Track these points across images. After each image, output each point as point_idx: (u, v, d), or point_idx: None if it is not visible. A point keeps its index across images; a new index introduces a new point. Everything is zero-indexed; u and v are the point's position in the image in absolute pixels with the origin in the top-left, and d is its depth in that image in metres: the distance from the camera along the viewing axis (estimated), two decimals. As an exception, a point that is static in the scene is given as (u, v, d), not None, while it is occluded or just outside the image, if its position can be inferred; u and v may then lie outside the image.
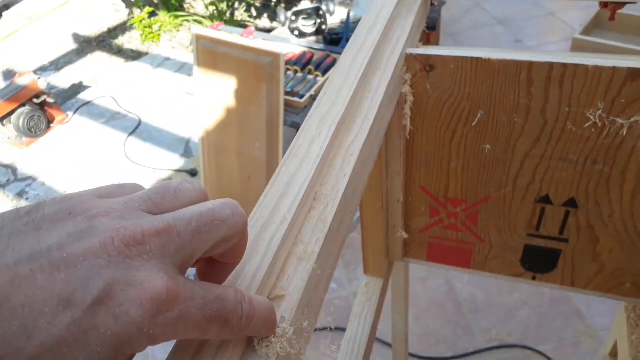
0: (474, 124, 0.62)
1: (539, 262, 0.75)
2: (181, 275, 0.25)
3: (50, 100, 2.78)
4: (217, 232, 0.26)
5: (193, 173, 2.43)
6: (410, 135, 0.65)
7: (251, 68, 1.59)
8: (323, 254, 0.38)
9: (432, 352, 1.60)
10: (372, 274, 0.83)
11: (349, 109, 0.47)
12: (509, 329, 1.63)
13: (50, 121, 2.82)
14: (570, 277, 0.75)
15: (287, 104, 1.66)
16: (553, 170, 0.64)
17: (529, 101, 0.58)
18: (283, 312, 0.34)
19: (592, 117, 0.57)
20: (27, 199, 2.47)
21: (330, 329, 1.71)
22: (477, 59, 0.57)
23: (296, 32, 2.09)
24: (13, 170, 2.64)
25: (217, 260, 0.30)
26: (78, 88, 3.21)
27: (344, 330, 0.80)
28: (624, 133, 0.57)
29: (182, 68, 3.15)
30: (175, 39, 3.49)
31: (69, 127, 2.84)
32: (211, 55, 1.69)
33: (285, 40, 2.02)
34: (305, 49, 1.95)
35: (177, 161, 2.53)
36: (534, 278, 0.78)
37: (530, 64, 0.55)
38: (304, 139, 0.44)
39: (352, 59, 0.52)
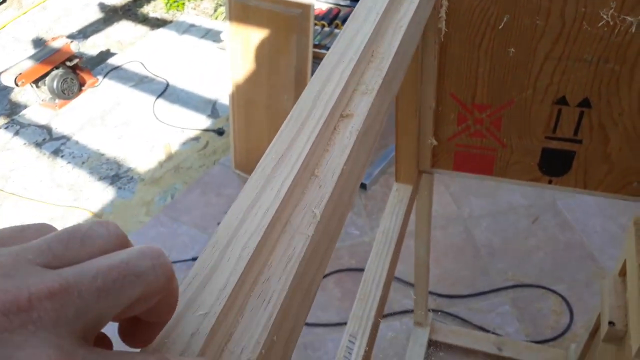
0: (500, 27, 0.71)
1: (555, 164, 0.83)
2: (85, 344, 0.20)
3: (81, 64, 2.89)
4: (131, 289, 0.21)
5: (220, 132, 2.53)
6: (444, 38, 0.74)
7: (282, 19, 1.68)
8: (380, 93, 0.48)
9: (450, 290, 1.70)
10: (402, 182, 0.92)
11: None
12: (525, 270, 1.72)
13: (81, 84, 2.93)
14: (583, 179, 0.84)
15: (315, 56, 1.75)
16: (569, 71, 0.72)
17: (550, 3, 0.67)
18: (352, 125, 0.43)
19: (605, 16, 0.65)
20: (62, 156, 2.59)
21: (354, 270, 1.81)
22: (505, -37, 0.65)
23: (321, -7, 2.17)
24: (48, 130, 2.76)
25: (141, 318, 0.25)
26: (106, 55, 3.32)
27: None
28: (633, 30, 0.65)
29: (207, 34, 3.24)
30: (199, 7, 3.57)
31: (100, 90, 2.95)
32: (243, 9, 1.78)
33: (312, -1, 2.10)
34: (332, 5, 2.03)
35: (205, 121, 2.63)
36: (550, 182, 0.86)
37: (552, -33, 0.64)
38: (362, 8, 0.52)
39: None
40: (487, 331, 1.58)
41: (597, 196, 0.85)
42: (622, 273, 1.15)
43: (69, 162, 2.54)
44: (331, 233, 0.39)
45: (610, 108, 0.74)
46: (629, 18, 0.65)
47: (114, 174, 2.45)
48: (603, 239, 1.77)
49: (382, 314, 0.77)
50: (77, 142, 2.65)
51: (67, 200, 2.36)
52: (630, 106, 0.73)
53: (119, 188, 2.37)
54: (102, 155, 2.56)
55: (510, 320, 1.61)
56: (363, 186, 2.09)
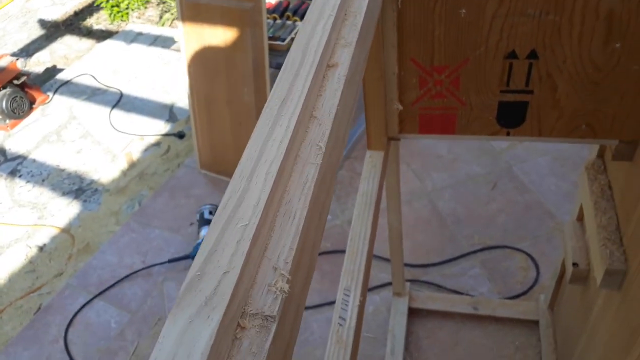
0: (451, -10, 0.77)
1: (511, 116, 0.91)
2: None
3: (29, 81, 2.82)
4: None
5: (181, 135, 2.53)
6: (401, 5, 0.80)
7: (234, 14, 1.71)
8: (358, 45, 0.53)
9: (423, 260, 1.78)
10: (374, 149, 0.98)
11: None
12: (490, 233, 1.81)
13: (31, 102, 2.87)
14: (537, 127, 0.92)
15: (271, 48, 1.79)
16: (516, 26, 0.79)
17: (493, -36, 0.74)
18: (338, 73, 0.48)
19: (543, -29, 0.73)
20: (20, 176, 2.54)
21: (331, 251, 1.87)
22: None
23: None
24: (1, 151, 2.69)
25: None
26: (52, 71, 3.25)
27: (342, 251, 0.94)
28: (568, -18, 0.73)
29: (156, 41, 3.23)
30: (144, 15, 3.55)
31: (52, 106, 2.89)
32: (194, 7, 1.80)
33: (260, -4, 2.14)
34: None
35: (164, 126, 2.63)
36: (508, 133, 0.94)
37: None
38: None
39: None
40: (462, 294, 1.67)
41: (551, 142, 0.93)
42: (580, 218, 1.25)
43: (28, 181, 2.49)
44: (333, 163, 0.44)
45: (555, 57, 0.82)
46: (563, -28, 0.73)
47: (77, 187, 2.42)
48: (558, 196, 1.88)
49: (370, 268, 0.83)
50: (34, 160, 2.60)
51: (31, 219, 2.31)
52: (572, 52, 0.81)
53: (84, 201, 2.34)
54: (63, 170, 2.52)
55: (482, 281, 1.70)
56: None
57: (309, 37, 0.48)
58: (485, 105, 0.90)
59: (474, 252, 1.77)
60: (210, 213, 2.03)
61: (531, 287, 1.65)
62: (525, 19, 0.78)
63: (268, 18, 1.94)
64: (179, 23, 1.90)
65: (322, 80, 0.47)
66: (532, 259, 1.72)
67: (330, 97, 0.45)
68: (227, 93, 1.92)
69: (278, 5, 2.01)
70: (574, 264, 1.17)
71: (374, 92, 0.88)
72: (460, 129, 0.95)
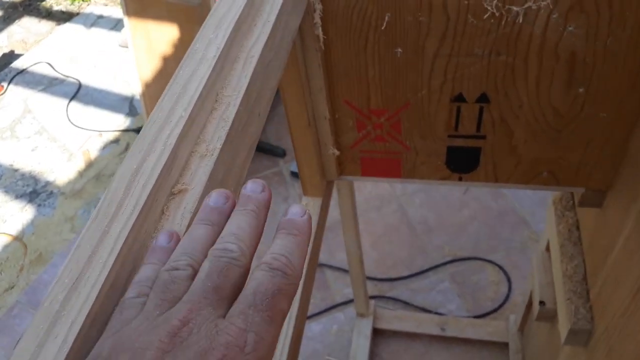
0: (383, 27, 0.64)
1: (462, 162, 0.79)
2: None
3: (-20, 71, 2.65)
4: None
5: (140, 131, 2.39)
6: (325, 46, 0.66)
7: (181, 11, 1.55)
8: (226, 151, 0.40)
9: (389, 273, 1.68)
10: (310, 195, 0.86)
11: (248, 11, 0.48)
12: (461, 244, 1.71)
13: (-16, 94, 2.70)
14: (493, 173, 0.80)
15: (224, 47, 1.64)
16: (462, 66, 0.67)
17: (430, -2, 0.60)
18: (186, 204, 0.36)
19: (489, 8, 0.60)
20: (-29, 176, 2.39)
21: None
22: (376, -40, 0.58)
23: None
24: (-48, 148, 2.54)
25: None
26: (9, 57, 3.06)
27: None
28: (520, 20, 0.60)
29: (118, 24, 3.03)
30: (106, -4, 3.34)
31: (6, 98, 2.72)
32: (140, 2, 1.64)
33: (217, -16, 1.97)
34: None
35: (123, 121, 2.48)
36: (460, 179, 0.82)
37: (426, -40, 0.57)
38: (201, 42, 0.45)
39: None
40: (430, 311, 1.57)
41: (509, 188, 0.82)
42: (549, 248, 1.14)
43: (-21, 183, 2.35)
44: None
45: (509, 101, 0.69)
46: (514, 8, 0.60)
47: (32, 190, 2.28)
48: (533, 202, 1.78)
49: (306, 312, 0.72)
50: (-14, 159, 2.45)
51: (-18, 225, 2.18)
52: (529, 98, 0.68)
53: (39, 205, 2.21)
54: (17, 170, 2.37)
55: (450, 297, 1.60)
56: (295, 175, 2.02)
57: (145, 155, 0.35)
58: (432, 150, 0.78)
59: (444, 264, 1.67)
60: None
61: (502, 305, 1.56)
62: (472, 59, 0.66)
63: (222, 12, 1.78)
64: (124, 18, 1.74)
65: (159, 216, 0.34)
66: (504, 272, 1.63)
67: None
68: (179, 94, 1.77)
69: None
70: (541, 302, 1.07)
71: (303, 139, 0.76)
72: (406, 172, 0.83)
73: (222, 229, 0.30)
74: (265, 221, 0.31)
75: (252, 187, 0.31)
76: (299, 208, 0.31)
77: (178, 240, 0.32)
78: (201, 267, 0.28)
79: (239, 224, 0.29)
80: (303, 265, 0.29)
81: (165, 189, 0.35)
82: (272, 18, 0.49)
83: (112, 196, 0.34)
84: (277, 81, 0.52)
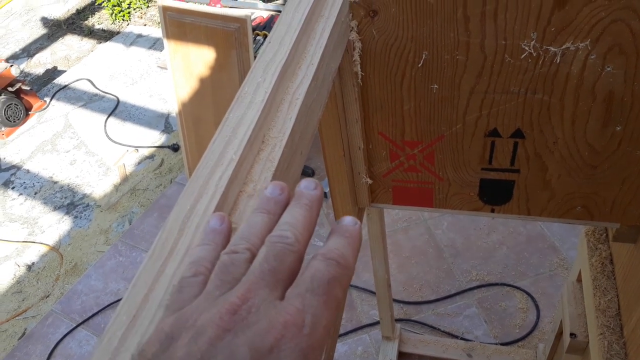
0: (420, 65, 0.66)
1: (495, 194, 0.80)
2: None
3: (25, 87, 2.76)
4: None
5: (175, 148, 2.45)
6: (362, 81, 0.69)
7: (220, 36, 1.60)
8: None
9: (416, 296, 1.67)
10: (343, 220, 0.87)
11: (293, 55, 0.50)
12: (489, 268, 1.70)
13: (27, 109, 2.81)
14: (526, 206, 0.80)
15: (259, 70, 1.68)
16: (497, 103, 0.68)
17: (468, 37, 0.62)
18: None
19: (527, 48, 0.61)
20: (13, 187, 2.49)
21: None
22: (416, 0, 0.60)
23: (264, -2, 2.09)
24: (-4, 160, 2.64)
25: None
26: (53, 73, 3.19)
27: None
28: (558, 61, 0.61)
29: (156, 44, 3.13)
30: (145, 15, 3.45)
31: (48, 112, 2.83)
32: (179, 26, 1.70)
33: (253, 6, 2.03)
34: (273, 13, 1.95)
35: (159, 137, 2.55)
36: (492, 210, 0.83)
37: (465, 1, 0.59)
38: (250, 86, 0.47)
39: (294, 8, 0.55)
40: (456, 337, 1.56)
41: (543, 221, 0.82)
42: (580, 279, 1.13)
43: (20, 194, 2.44)
44: None
45: (544, 137, 0.70)
46: (552, 48, 0.61)
47: (69, 202, 2.36)
48: (563, 228, 1.76)
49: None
50: (28, 171, 2.55)
51: (22, 234, 2.26)
52: (564, 134, 0.69)
53: (75, 217, 2.28)
54: (56, 183, 2.46)
55: (477, 323, 1.59)
56: (325, 194, 2.04)
57: (197, 197, 0.38)
58: (466, 182, 0.79)
59: (471, 289, 1.66)
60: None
61: (530, 332, 1.54)
62: (508, 96, 0.67)
63: (258, 35, 1.83)
64: (164, 40, 1.80)
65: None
66: (533, 299, 1.61)
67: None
68: (214, 114, 1.82)
69: (269, 20, 1.89)
70: (572, 334, 1.06)
71: (337, 168, 0.78)
72: (438, 202, 0.84)
73: (278, 217, 0.32)
74: (317, 215, 0.32)
75: (306, 185, 0.33)
76: (352, 218, 0.32)
77: (229, 223, 0.34)
78: (259, 251, 0.29)
79: (294, 214, 0.31)
80: (355, 262, 0.30)
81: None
82: (316, 61, 0.51)
83: (167, 235, 0.36)
84: (318, 119, 0.54)
